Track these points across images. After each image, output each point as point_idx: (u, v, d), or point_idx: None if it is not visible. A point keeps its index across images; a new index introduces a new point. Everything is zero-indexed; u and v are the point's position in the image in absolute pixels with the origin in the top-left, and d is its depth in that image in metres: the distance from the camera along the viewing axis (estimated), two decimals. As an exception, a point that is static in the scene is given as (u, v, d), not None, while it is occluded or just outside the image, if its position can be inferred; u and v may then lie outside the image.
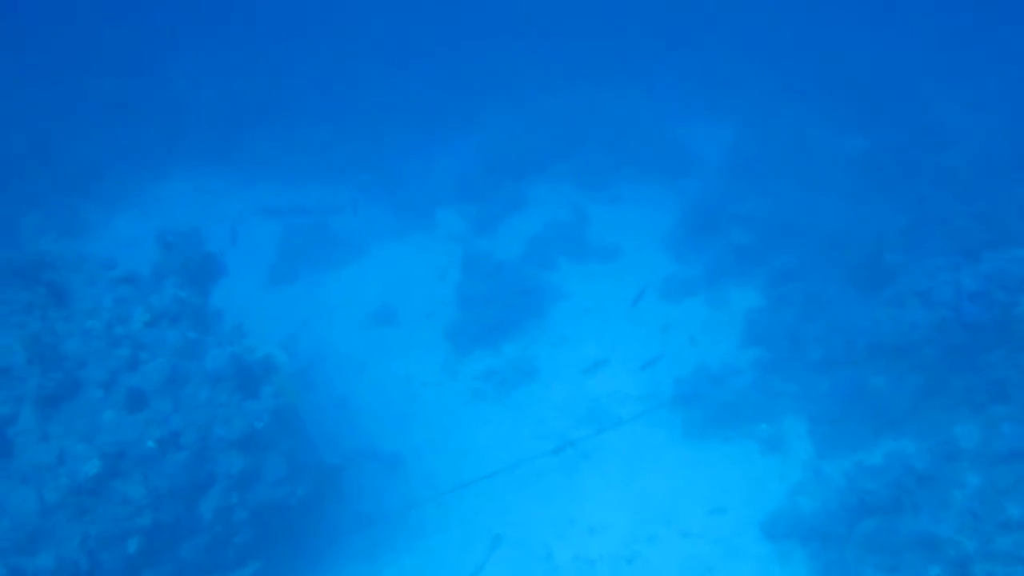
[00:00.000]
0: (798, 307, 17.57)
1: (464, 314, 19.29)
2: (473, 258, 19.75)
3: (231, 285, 16.22)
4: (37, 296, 12.25)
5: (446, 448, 16.54)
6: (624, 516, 14.63)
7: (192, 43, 30.25)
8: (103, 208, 24.37)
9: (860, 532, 12.81)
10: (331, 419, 17.33)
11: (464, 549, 14.26)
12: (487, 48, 30.11)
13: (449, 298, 19.93)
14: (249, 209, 24.29)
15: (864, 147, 23.62)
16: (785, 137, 24.75)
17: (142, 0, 32.21)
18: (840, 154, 23.62)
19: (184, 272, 13.75)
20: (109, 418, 11.32)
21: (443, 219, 22.95)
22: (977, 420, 13.85)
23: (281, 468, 12.34)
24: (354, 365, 19.05)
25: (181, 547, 11.50)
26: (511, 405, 17.57)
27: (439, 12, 32.65)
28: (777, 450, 15.45)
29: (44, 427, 11.25)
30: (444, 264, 21.36)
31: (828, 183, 22.08)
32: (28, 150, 25.05)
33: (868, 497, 12.92)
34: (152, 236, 14.53)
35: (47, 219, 22.84)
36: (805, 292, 17.82)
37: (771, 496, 14.55)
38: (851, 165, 22.89)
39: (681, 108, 27.78)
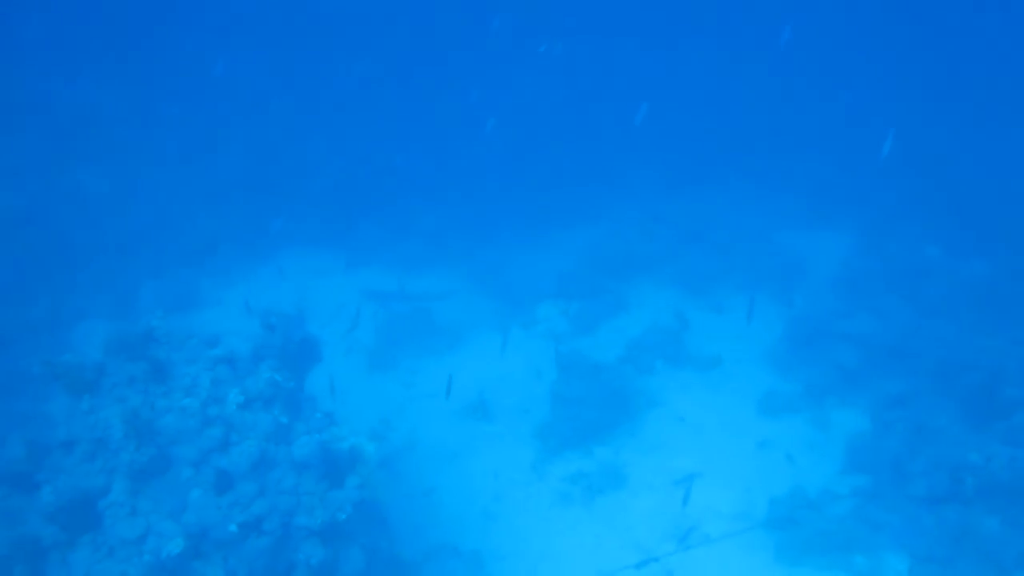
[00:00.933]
0: (905, 435, 16.82)
1: (557, 414, 19.06)
2: (570, 357, 19.59)
3: (330, 367, 16.53)
4: (140, 370, 12.58)
5: (528, 551, 16.20)
6: (706, 643, 14.07)
7: (313, 129, 31.48)
8: (217, 282, 25.26)
9: None
10: (416, 509, 17.26)
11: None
12: (599, 147, 30.39)
13: (543, 396, 19.76)
14: (354, 293, 24.68)
15: (986, 272, 22.77)
16: (901, 255, 24.07)
17: (267, 88, 33.84)
18: (960, 277, 22.80)
19: (282, 355, 13.96)
20: (196, 498, 11.46)
21: (543, 314, 22.90)
22: (1096, 577, 12.98)
23: (359, 562, 12.25)
24: (443, 456, 18.97)
25: (254, 635, 11.46)
26: (597, 511, 17.15)
27: (555, 112, 33.16)
28: (874, 587, 14.67)
29: (133, 501, 11.45)
30: (541, 360, 21.27)
31: (944, 307, 21.29)
32: (154, 221, 26.27)
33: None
34: (258, 313, 14.92)
35: (164, 290, 23.79)
36: (913, 420, 17.07)
37: (865, 638, 13.81)
38: (970, 290, 22.05)
39: (793, 218, 27.36)
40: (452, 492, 17.85)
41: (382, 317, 23.36)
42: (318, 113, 33.14)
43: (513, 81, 34.81)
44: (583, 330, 22.38)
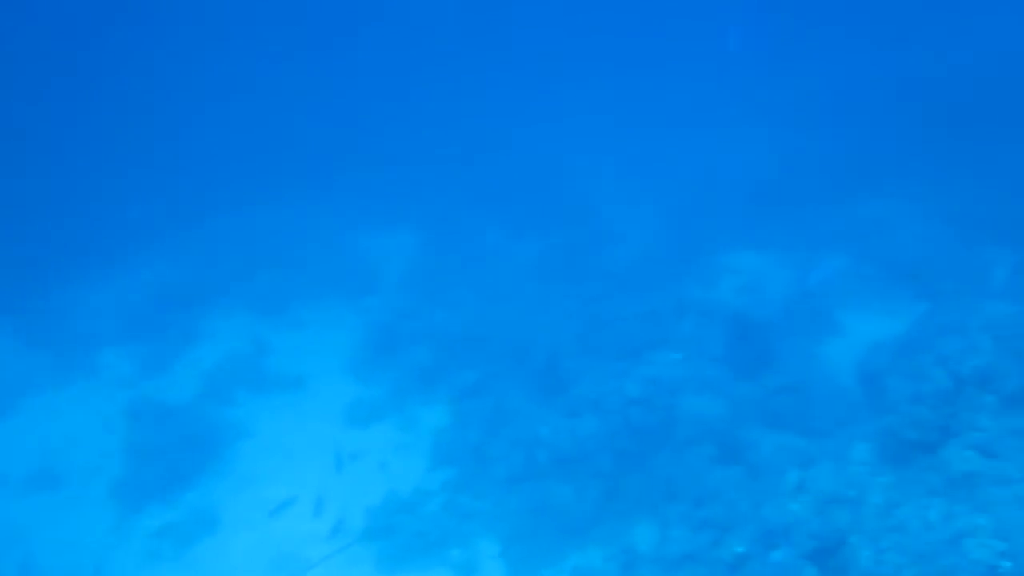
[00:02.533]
0: (483, 422, 17.56)
1: (133, 466, 17.70)
2: (140, 403, 18.30)
3: None
4: None
5: (120, 624, 14.90)
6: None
7: None
8: None
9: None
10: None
11: None
12: (153, 169, 28.67)
13: (117, 450, 18.24)
14: None
15: (538, 250, 24.32)
16: (464, 245, 25.19)
17: None
18: (517, 259, 24.22)
19: None
20: None
21: (107, 361, 21.15)
22: (653, 521, 14.25)
23: None
24: (10, 538, 16.86)
25: None
26: (192, 563, 16.10)
27: (102, 131, 30.85)
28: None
29: None
30: (110, 412, 19.63)
31: (507, 290, 22.49)
32: None
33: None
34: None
35: None
36: (489, 406, 17.87)
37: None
38: (528, 270, 23.49)
39: (362, 222, 27.56)
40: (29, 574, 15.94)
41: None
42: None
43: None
44: (154, 371, 20.98)
